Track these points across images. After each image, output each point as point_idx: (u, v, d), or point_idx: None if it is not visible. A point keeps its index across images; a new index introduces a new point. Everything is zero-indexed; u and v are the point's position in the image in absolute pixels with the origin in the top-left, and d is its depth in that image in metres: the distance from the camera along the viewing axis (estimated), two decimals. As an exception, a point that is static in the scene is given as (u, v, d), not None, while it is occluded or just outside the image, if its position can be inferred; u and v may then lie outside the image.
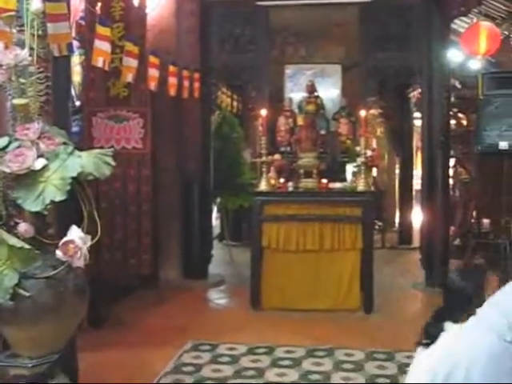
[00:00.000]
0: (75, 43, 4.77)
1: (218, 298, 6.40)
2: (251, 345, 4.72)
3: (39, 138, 2.46)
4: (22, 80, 2.67)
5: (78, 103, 5.08)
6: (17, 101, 2.60)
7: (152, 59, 5.40)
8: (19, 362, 2.46)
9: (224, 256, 7.95)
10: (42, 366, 2.47)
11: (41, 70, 2.94)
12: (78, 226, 2.36)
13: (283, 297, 5.66)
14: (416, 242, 8.47)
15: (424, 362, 1.47)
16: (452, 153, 7.31)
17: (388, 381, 4.04)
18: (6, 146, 2.46)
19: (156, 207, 6.00)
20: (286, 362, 4.38)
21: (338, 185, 6.14)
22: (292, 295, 5.64)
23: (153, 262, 5.75)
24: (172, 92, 5.86)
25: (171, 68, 5.92)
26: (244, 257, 6.95)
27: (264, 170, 5.90)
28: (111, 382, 3.91)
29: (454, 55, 6.98)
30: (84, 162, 2.35)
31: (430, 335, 1.55)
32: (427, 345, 1.52)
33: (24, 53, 2.67)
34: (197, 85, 6.58)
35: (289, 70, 9.33)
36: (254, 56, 7.14)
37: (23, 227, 2.35)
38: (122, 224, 5.31)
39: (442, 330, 1.54)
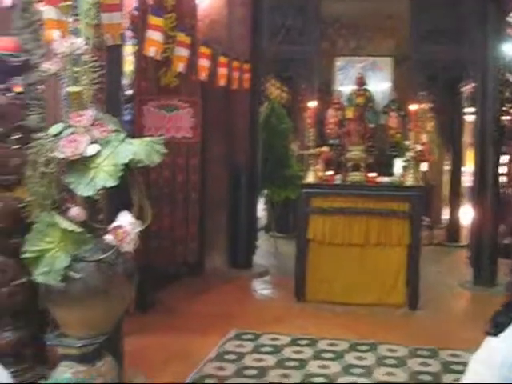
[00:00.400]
0: (128, 33, 4.85)
1: (262, 288, 6.43)
2: (294, 336, 4.73)
3: (92, 125, 2.52)
4: (77, 68, 2.73)
5: (129, 92, 5.16)
6: (71, 88, 2.67)
7: (203, 49, 5.45)
8: (68, 342, 2.54)
9: (269, 247, 7.98)
10: (89, 347, 2.55)
11: (95, 58, 3.00)
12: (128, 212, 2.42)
13: (327, 290, 5.64)
14: (464, 239, 8.32)
15: (494, 350, 1.48)
16: (505, 149, 7.13)
17: (430, 378, 3.99)
18: (60, 133, 2.53)
19: (204, 196, 6.05)
20: (329, 355, 4.37)
21: (386, 179, 6.08)
22: (336, 288, 5.62)
23: (199, 251, 5.81)
24: (222, 82, 5.90)
25: (222, 59, 5.97)
26: (289, 249, 6.95)
27: (311, 162, 5.88)
28: (155, 366, 3.99)
29: (508, 49, 6.79)
30: (135, 149, 2.40)
31: (498, 324, 1.55)
32: (495, 334, 1.52)
33: (79, 42, 2.74)
34: (246, 76, 6.61)
35: (339, 63, 9.26)
36: (304, 48, 7.12)
37: (75, 211, 2.42)
38: (170, 212, 5.38)
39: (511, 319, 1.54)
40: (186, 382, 3.84)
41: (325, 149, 6.28)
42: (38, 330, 3.01)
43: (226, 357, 4.31)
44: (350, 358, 4.33)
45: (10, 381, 0.65)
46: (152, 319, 4.91)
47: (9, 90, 2.96)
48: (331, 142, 8.10)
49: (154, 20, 4.39)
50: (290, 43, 7.17)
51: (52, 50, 2.96)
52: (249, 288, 6.44)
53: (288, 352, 4.43)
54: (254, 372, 4.06)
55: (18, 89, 3.20)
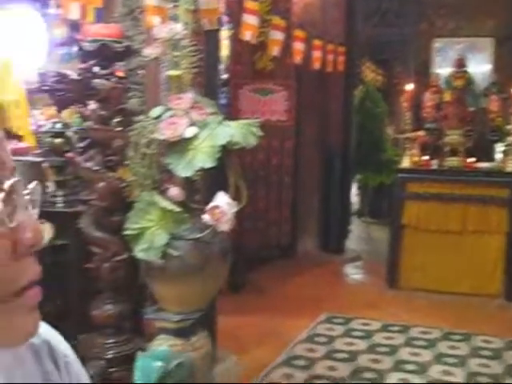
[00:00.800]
0: (224, 18, 4.92)
1: (353, 273, 6.40)
2: (385, 322, 4.69)
3: (191, 107, 2.59)
4: (176, 53, 2.81)
5: (224, 76, 5.25)
6: (171, 72, 2.76)
7: (298, 33, 5.44)
8: (165, 317, 2.65)
9: (361, 232, 7.91)
10: (185, 322, 2.65)
11: (193, 43, 3.07)
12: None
13: (421, 277, 5.53)
14: None
15: None
16: None
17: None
18: (160, 115, 2.62)
19: (297, 179, 6.07)
20: (421, 343, 4.30)
21: (485, 164, 5.85)
22: (430, 276, 5.49)
23: (292, 234, 5.85)
24: (316, 66, 5.88)
25: (316, 42, 5.94)
26: (381, 234, 6.87)
27: (407, 146, 5.76)
28: (247, 345, 4.08)
29: None
30: (232, 131, 2.45)
31: None
32: None
33: (179, 27, 2.82)
34: (341, 59, 6.54)
35: (437, 44, 8.97)
36: (400, 29, 6.98)
37: (174, 191, 2.50)
38: (264, 194, 5.46)
39: None
40: (277, 361, 3.90)
41: (421, 133, 6.14)
42: (136, 304, 3.16)
43: (317, 339, 4.34)
44: (442, 346, 4.24)
45: (89, 381, 0.70)
46: (243, 299, 5.00)
47: (112, 74, 3.08)
48: (428, 125, 7.88)
49: (250, 4, 4.43)
50: (386, 25, 7.05)
51: (152, 35, 3.07)
52: (340, 272, 6.42)
53: (379, 338, 4.40)
54: (344, 355, 4.06)
55: (120, 74, 3.34)
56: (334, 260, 6.62)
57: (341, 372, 3.84)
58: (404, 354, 4.11)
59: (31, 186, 0.52)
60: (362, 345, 4.25)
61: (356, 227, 7.86)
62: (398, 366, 3.92)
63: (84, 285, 3.10)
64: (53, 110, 4.03)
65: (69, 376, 0.67)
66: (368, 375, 3.78)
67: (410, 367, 3.89)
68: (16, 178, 0.50)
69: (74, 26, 4.11)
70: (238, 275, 5.05)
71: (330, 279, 5.99)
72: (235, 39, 4.92)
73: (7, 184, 0.49)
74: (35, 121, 3.99)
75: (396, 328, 4.58)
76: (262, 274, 5.74)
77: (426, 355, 4.07)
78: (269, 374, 3.73)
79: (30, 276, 0.52)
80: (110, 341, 3.04)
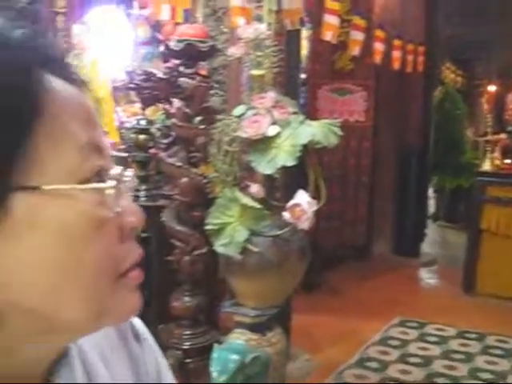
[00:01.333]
0: (304, 18, 4.94)
1: (428, 277, 6.28)
2: (461, 329, 4.59)
3: (273, 106, 2.63)
4: (259, 53, 2.86)
5: (303, 76, 5.28)
6: (254, 72, 2.80)
7: (378, 33, 5.40)
8: (243, 311, 2.70)
9: (437, 236, 7.75)
10: (262, 317, 2.69)
11: (275, 43, 3.11)
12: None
13: (498, 283, 5.37)
14: None
15: None
16: None
17: None
18: (243, 114, 2.67)
19: (374, 180, 6.02)
20: (497, 352, 4.19)
21: None
22: (508, 283, 5.33)
23: (367, 234, 5.80)
24: (396, 66, 5.81)
25: (396, 41, 5.86)
26: (458, 239, 6.71)
27: (488, 149, 5.62)
28: (319, 344, 4.09)
29: None
30: (314, 130, 2.48)
31: None
32: None
33: (262, 27, 2.86)
34: (421, 59, 6.43)
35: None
36: (483, 29, 6.77)
37: (255, 188, 2.55)
38: (340, 194, 5.45)
39: None
40: (350, 362, 3.90)
41: (503, 136, 5.97)
42: (214, 297, 3.24)
43: (390, 342, 4.30)
44: (521, 356, 4.12)
45: (167, 365, 0.75)
46: (317, 299, 5.01)
47: (196, 73, 3.16)
48: (510, 128, 7.66)
49: (330, 4, 4.43)
50: (468, 24, 6.86)
51: (235, 35, 3.13)
52: (415, 276, 6.32)
53: (454, 344, 4.31)
54: (418, 360, 4.01)
55: (203, 73, 3.42)
56: (409, 263, 6.51)
57: (414, 376, 3.79)
58: (480, 362, 4.02)
59: (128, 173, 0.55)
60: (436, 350, 4.18)
61: (431, 231, 7.70)
62: (474, 373, 3.84)
63: (165, 277, 3.20)
64: (136, 107, 4.18)
65: (149, 356, 0.71)
66: (442, 381, 3.72)
67: (486, 375, 3.80)
68: (121, 167, 0.54)
69: (156, 26, 4.24)
70: (313, 274, 5.06)
71: (404, 283, 5.91)
72: (315, 39, 4.93)
73: (115, 172, 0.53)
74: (118, 117, 4.15)
75: (472, 335, 4.48)
76: (335, 275, 5.72)
77: (503, 364, 3.97)
78: (341, 374, 3.73)
79: (134, 258, 0.55)
80: (187, 332, 3.13)
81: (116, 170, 0.53)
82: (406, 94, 6.62)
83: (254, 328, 2.69)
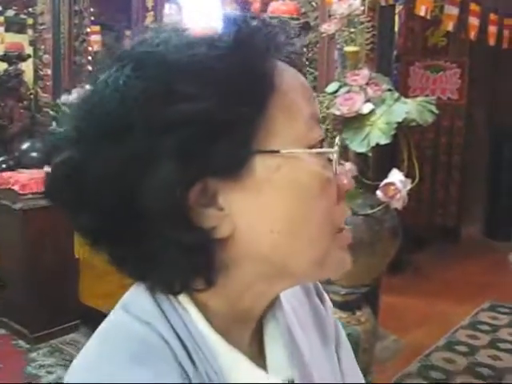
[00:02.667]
0: (397, -7, 4.81)
1: (520, 262, 6.06)
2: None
3: (367, 84, 2.59)
4: (352, 29, 2.82)
5: (394, 53, 5.16)
6: (348, 48, 2.77)
7: (473, 7, 5.17)
8: (333, 289, 2.70)
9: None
10: (352, 296, 2.68)
11: (368, 19, 3.05)
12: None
13: None
14: None
15: None
16: None
17: None
18: (336, 91, 2.64)
19: (466, 161, 5.84)
20: None
21: None
22: None
23: (457, 216, 5.64)
24: (491, 42, 5.56)
25: (492, 16, 5.61)
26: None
27: None
28: (407, 325, 4.04)
29: None
30: (409, 108, 2.42)
31: None
32: None
33: (357, 3, 2.81)
34: (518, 34, 6.13)
35: None
36: None
37: (347, 166, 2.53)
38: (431, 174, 5.32)
39: None
40: (438, 344, 3.84)
41: None
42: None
43: (479, 326, 4.20)
44: None
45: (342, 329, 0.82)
46: (404, 281, 4.94)
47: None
48: None
49: (424, -22, 4.29)
50: None
51: (326, 11, 3.09)
52: (506, 261, 6.09)
53: (548, 331, 4.16)
54: (509, 346, 3.90)
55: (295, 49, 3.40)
56: (501, 247, 6.28)
57: (504, 363, 3.69)
58: None
59: (336, 140, 0.62)
60: (528, 337, 4.05)
61: (524, 214, 7.39)
62: None
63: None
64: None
65: (330, 319, 0.79)
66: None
67: None
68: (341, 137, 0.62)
69: (244, 4, 4.24)
70: (402, 255, 4.97)
71: (495, 267, 5.72)
72: (407, 15, 4.80)
73: (338, 139, 0.62)
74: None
75: None
76: (424, 256, 5.61)
77: None
78: (428, 357, 3.68)
79: (345, 218, 0.63)
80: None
81: (338, 137, 0.63)
82: (501, 72, 6.33)
83: (343, 306, 2.69)
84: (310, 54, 3.55)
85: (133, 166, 0.54)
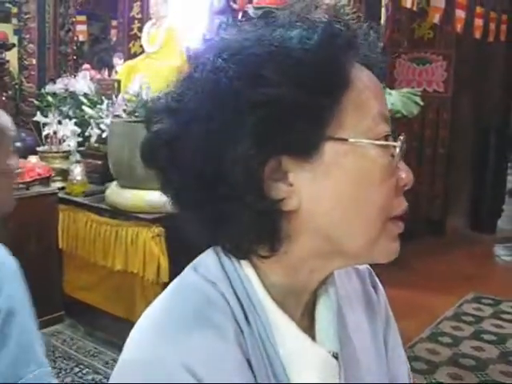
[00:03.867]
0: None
1: (504, 254, 6.09)
2: (538, 307, 4.46)
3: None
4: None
5: (381, 44, 5.16)
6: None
7: (460, 0, 5.20)
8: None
9: (514, 212, 7.50)
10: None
11: (354, 10, 3.03)
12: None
13: None
14: None
15: None
16: None
17: None
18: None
19: (451, 153, 5.86)
20: None
21: None
22: None
23: (443, 209, 5.67)
24: (477, 35, 5.59)
25: (478, 9, 5.63)
26: (538, 216, 6.47)
27: None
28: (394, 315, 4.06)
29: None
30: (394, 99, 2.43)
31: None
32: None
33: (343, -7, 2.81)
34: (503, 27, 6.16)
35: None
36: None
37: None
38: (416, 166, 5.34)
39: None
40: (422, 335, 3.86)
41: None
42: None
43: (464, 318, 4.22)
44: None
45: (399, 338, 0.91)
46: (389, 272, 4.91)
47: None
48: None
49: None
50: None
51: (313, 2, 3.07)
52: (491, 253, 6.14)
53: (531, 323, 4.20)
54: (492, 337, 3.93)
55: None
56: (485, 239, 6.33)
57: (487, 353, 3.72)
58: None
59: (402, 138, 0.67)
60: (511, 328, 4.08)
61: (509, 207, 7.45)
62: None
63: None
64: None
65: (381, 306, 0.86)
66: (518, 359, 3.64)
67: None
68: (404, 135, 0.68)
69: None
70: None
71: (479, 258, 5.76)
72: (393, 7, 4.80)
73: (402, 136, 0.67)
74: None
75: (550, 315, 4.34)
76: (409, 248, 5.59)
77: None
78: (413, 348, 3.70)
79: (402, 210, 0.68)
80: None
81: (400, 137, 0.67)
82: (487, 65, 6.37)
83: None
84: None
85: (220, 138, 0.63)
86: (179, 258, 3.09)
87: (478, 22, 5.63)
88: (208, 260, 0.71)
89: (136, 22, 5.79)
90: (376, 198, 0.65)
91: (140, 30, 5.49)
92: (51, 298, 3.77)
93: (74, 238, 3.65)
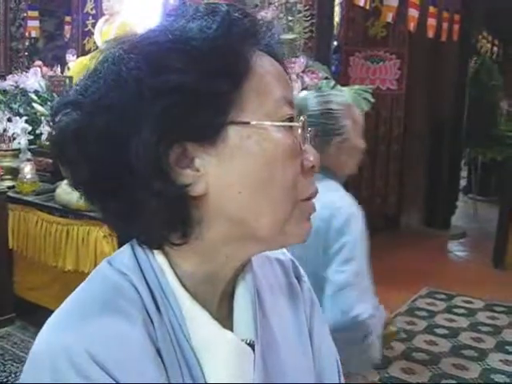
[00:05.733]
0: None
1: (458, 250, 6.22)
2: (489, 301, 4.55)
3: (303, 71, 2.60)
4: (290, 17, 2.82)
5: (335, 43, 5.19)
6: (285, 36, 2.77)
7: (413, -1, 5.27)
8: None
9: (468, 209, 7.65)
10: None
11: (306, 8, 3.05)
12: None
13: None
14: None
15: None
16: None
17: None
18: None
19: (405, 150, 5.93)
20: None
21: None
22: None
23: (397, 205, 5.73)
24: (430, 34, 5.68)
25: (431, 9, 5.72)
26: (489, 212, 6.62)
27: (524, 121, 5.49)
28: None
29: None
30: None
31: None
32: None
33: (294, -10, 2.82)
34: (456, 27, 6.28)
35: None
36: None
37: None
38: (371, 163, 5.39)
39: None
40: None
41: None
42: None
43: (417, 313, 4.29)
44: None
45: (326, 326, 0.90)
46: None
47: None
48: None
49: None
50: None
51: (267, -1, 3.08)
52: (444, 248, 6.26)
53: (482, 317, 4.29)
54: (445, 331, 4.00)
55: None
56: (439, 235, 6.45)
57: (440, 347, 3.79)
58: (507, 335, 3.99)
59: (301, 118, 0.69)
60: (463, 322, 4.16)
61: (462, 204, 7.61)
62: (501, 346, 3.81)
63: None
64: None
65: (306, 296, 0.85)
66: (468, 353, 3.70)
67: (514, 348, 3.78)
68: (305, 116, 0.69)
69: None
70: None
71: (433, 254, 5.86)
72: (348, 5, 4.84)
73: (301, 119, 0.69)
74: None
75: (500, 309, 4.44)
76: (364, 244, 5.67)
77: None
78: (367, 343, 3.73)
79: (311, 192, 0.70)
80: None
81: (302, 118, 0.69)
82: (440, 64, 6.48)
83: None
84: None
85: (123, 127, 0.63)
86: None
87: (431, 21, 5.72)
88: (123, 253, 0.72)
89: (90, 18, 5.69)
90: (281, 178, 0.67)
91: (94, 26, 5.41)
92: (1, 300, 3.69)
93: (25, 237, 3.57)
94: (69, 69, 5.29)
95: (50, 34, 8.46)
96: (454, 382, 3.26)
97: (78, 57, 5.29)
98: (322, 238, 1.57)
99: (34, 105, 4.20)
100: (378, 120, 5.35)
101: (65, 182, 3.41)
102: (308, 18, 2.92)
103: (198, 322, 0.69)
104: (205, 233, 0.68)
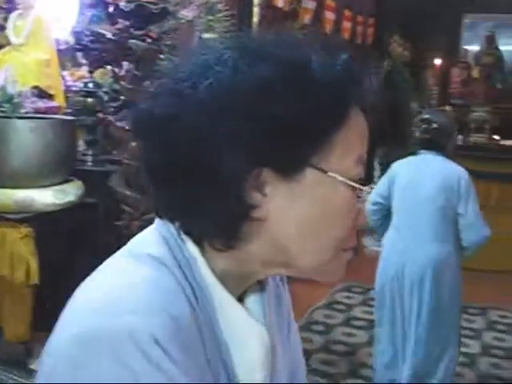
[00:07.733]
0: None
1: (372, 244, 6.42)
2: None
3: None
4: (210, 17, 2.84)
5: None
6: (206, 36, 2.79)
7: (329, 2, 5.42)
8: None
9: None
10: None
11: (227, 7, 3.08)
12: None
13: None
14: None
15: None
16: None
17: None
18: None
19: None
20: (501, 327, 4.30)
21: (510, 142, 5.83)
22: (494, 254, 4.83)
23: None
24: (345, 36, 5.86)
25: (346, 12, 5.90)
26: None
27: (433, 121, 5.73)
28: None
29: None
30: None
31: None
32: None
33: (214, -10, 2.84)
34: (370, 31, 6.51)
35: (467, 20, 8.81)
36: (430, 3, 6.87)
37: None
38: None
39: None
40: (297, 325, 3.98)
41: (447, 108, 6.11)
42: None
43: (335, 306, 4.42)
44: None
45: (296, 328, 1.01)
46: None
47: (147, 36, 3.12)
48: (454, 101, 7.83)
49: (282, -29, 4.42)
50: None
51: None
52: (359, 243, 6.44)
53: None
54: (362, 323, 4.14)
55: (154, 36, 3.36)
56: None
57: (357, 338, 3.92)
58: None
59: (370, 187, 0.74)
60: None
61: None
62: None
63: (113, 242, 3.17)
64: (83, 70, 4.08)
65: (286, 299, 0.92)
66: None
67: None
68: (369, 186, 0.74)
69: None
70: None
71: (348, 250, 6.02)
72: (266, 6, 4.91)
73: (369, 186, 0.74)
74: (65, 81, 4.04)
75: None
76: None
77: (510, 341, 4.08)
78: (287, 337, 3.80)
79: (353, 243, 0.75)
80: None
81: (372, 185, 0.75)
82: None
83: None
84: (169, 41, 3.52)
85: (219, 132, 0.65)
86: (49, 258, 2.99)
87: (346, 24, 5.91)
88: (150, 240, 0.73)
89: (2, 12, 5.48)
90: (336, 229, 0.72)
91: (6, 20, 5.21)
92: None
93: None
94: (-21, 64, 5.08)
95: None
96: (370, 370, 3.36)
97: (-11, 52, 5.09)
98: None
99: None
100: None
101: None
102: (228, 18, 2.94)
103: (228, 309, 0.72)
104: (248, 247, 0.71)
